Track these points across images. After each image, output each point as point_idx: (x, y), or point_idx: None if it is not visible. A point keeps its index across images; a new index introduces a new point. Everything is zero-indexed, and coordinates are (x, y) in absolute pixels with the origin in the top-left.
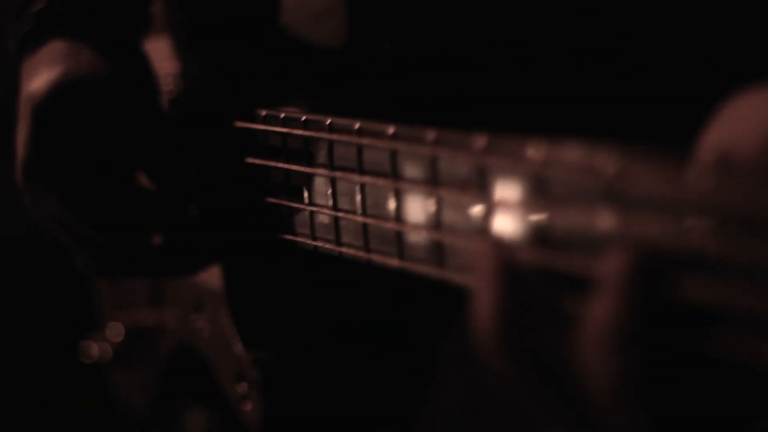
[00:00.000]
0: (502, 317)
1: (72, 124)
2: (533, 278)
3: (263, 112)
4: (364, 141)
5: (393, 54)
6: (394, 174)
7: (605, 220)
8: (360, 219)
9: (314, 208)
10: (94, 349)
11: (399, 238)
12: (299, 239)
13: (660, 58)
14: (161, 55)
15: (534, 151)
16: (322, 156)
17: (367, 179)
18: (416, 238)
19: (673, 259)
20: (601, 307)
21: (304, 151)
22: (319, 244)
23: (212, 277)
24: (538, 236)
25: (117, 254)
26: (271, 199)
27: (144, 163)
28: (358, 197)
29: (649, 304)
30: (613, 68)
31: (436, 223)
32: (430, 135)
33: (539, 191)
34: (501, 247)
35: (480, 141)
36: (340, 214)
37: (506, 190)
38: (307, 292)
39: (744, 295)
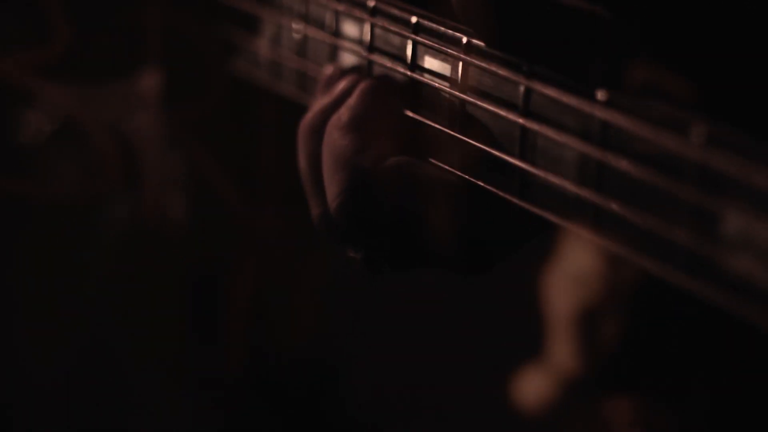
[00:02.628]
0: (316, 116)
1: None
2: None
3: None
4: None
5: None
6: (334, 31)
7: None
8: (296, 65)
9: (258, 47)
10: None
11: None
12: (240, 69)
13: None
14: None
15: (460, 37)
16: None
17: (309, 31)
18: None
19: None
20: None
21: None
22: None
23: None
24: None
25: None
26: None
27: None
28: (298, 45)
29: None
30: None
31: None
32: (370, 2)
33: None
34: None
35: (412, 18)
36: (281, 57)
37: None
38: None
39: None
